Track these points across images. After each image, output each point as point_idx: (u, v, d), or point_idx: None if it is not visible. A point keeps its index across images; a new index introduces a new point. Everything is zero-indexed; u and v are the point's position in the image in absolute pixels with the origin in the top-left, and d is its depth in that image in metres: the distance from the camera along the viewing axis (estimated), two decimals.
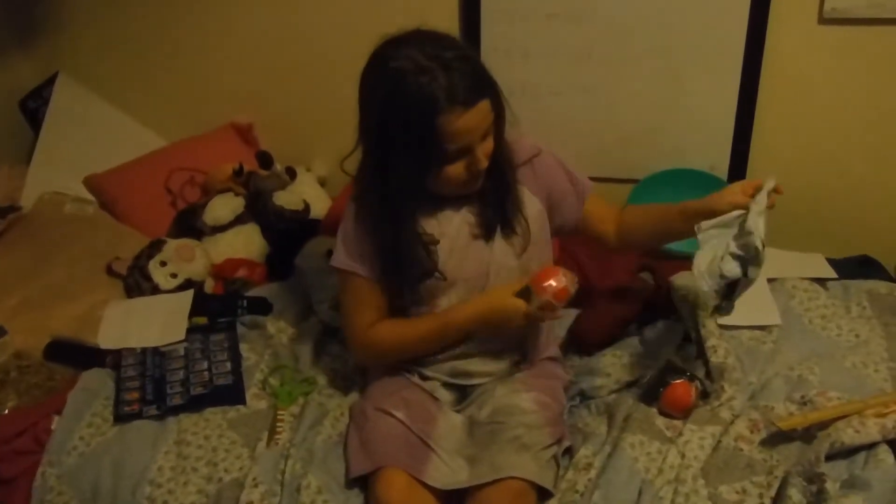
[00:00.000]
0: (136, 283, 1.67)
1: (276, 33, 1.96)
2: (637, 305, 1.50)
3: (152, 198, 1.93)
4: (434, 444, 1.22)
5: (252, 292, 1.67)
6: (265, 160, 1.92)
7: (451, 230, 1.25)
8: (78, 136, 2.03)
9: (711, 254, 1.17)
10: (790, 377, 1.31)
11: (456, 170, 1.15)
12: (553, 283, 1.18)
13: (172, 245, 1.71)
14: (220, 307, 1.62)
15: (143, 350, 1.49)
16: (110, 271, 1.70)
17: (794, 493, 1.08)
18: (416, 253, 1.23)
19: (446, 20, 1.79)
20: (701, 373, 1.34)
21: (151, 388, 1.41)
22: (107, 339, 1.53)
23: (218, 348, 1.50)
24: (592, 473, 1.19)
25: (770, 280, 1.50)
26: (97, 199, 1.90)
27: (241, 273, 1.75)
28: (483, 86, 1.12)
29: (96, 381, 1.43)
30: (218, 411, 1.37)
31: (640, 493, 1.15)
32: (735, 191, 1.19)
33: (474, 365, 1.32)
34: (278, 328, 1.56)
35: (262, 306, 1.62)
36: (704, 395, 1.31)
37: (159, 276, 1.66)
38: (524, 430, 1.21)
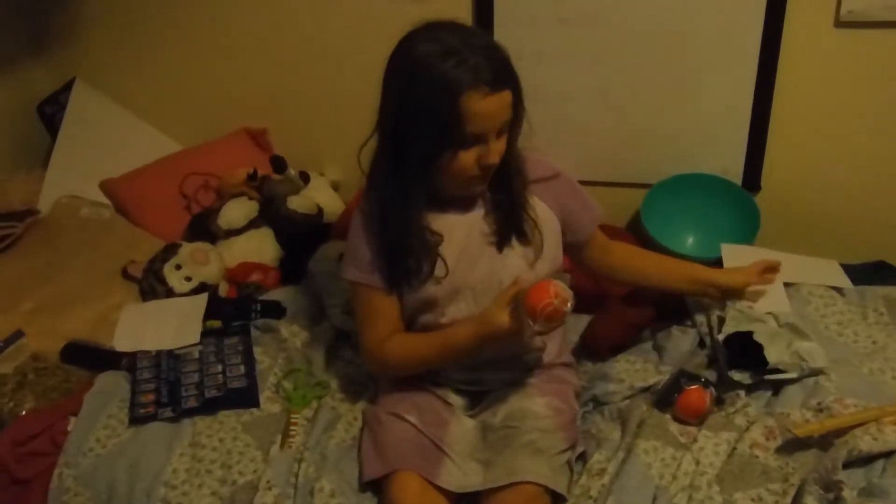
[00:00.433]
0: (151, 286, 1.68)
1: (291, 39, 1.97)
2: (650, 311, 1.49)
3: (167, 202, 1.94)
4: (447, 448, 1.22)
5: (265, 296, 1.68)
6: (279, 164, 1.93)
7: (459, 235, 1.25)
8: (94, 141, 2.05)
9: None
10: (806, 383, 1.30)
11: (468, 158, 1.14)
12: (544, 304, 1.10)
13: (187, 249, 1.72)
14: (233, 311, 1.63)
15: (158, 353, 1.50)
16: (126, 275, 1.71)
17: (811, 501, 1.07)
18: (421, 246, 1.22)
19: None
20: (714, 378, 1.33)
21: (166, 391, 1.42)
22: (122, 341, 1.54)
23: (232, 351, 1.51)
24: (606, 479, 1.19)
25: (786, 285, 1.48)
26: (113, 203, 1.92)
27: (255, 277, 1.76)
28: (509, 76, 1.13)
29: (112, 384, 1.45)
30: (232, 414, 1.37)
31: (654, 500, 1.15)
32: (749, 272, 1.40)
33: (487, 373, 1.32)
34: (292, 332, 1.57)
35: (275, 310, 1.62)
36: (719, 402, 1.31)
37: (174, 279, 1.67)
38: (538, 435, 1.21)
